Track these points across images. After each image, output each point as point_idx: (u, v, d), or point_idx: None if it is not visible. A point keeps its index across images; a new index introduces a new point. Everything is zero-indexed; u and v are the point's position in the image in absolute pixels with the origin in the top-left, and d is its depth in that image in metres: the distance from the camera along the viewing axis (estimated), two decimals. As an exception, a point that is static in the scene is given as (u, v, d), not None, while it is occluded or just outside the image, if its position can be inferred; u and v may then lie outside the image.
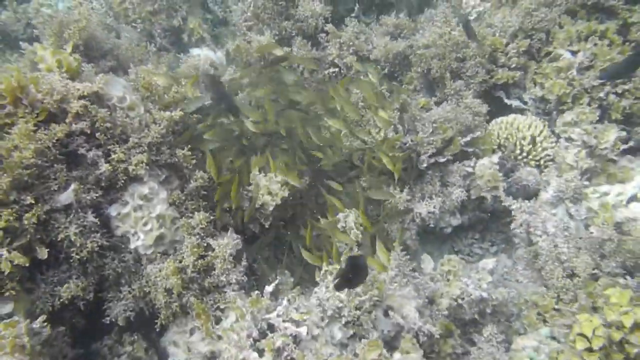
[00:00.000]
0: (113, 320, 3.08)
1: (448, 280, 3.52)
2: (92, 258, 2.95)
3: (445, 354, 3.10)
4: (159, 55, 4.69)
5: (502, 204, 3.74)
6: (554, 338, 2.84)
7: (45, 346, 2.76)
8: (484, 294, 3.26)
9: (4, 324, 2.58)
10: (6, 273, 2.63)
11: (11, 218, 2.64)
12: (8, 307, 2.73)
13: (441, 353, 3.11)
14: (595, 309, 2.69)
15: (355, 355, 2.47)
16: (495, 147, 4.06)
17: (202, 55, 4.79)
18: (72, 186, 2.84)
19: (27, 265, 2.69)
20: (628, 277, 2.98)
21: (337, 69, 4.87)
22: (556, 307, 2.99)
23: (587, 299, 2.77)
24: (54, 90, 2.84)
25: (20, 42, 3.79)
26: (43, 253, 2.76)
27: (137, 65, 3.63)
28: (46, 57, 3.08)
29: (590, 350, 2.48)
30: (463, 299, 3.27)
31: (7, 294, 2.67)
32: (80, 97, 2.92)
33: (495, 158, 3.81)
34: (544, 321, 3.04)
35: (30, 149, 2.69)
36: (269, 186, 3.39)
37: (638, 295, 2.63)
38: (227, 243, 3.14)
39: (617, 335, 2.46)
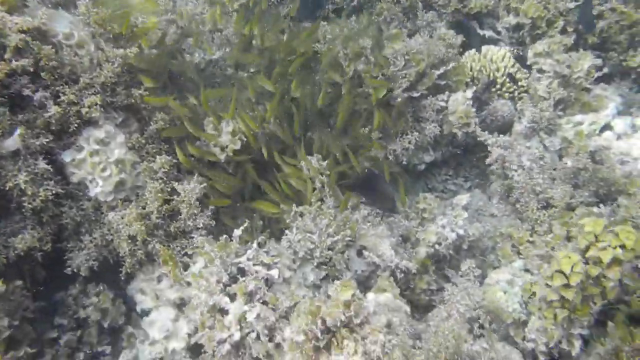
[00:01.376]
0: (75, 270, 2.95)
1: (423, 218, 3.47)
2: (47, 207, 2.78)
3: (420, 290, 3.06)
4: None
5: (477, 139, 3.64)
6: (527, 271, 2.82)
7: (1, 301, 2.63)
8: (460, 232, 3.20)
9: None
10: None
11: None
12: (-43, 262, 2.57)
13: (416, 289, 3.08)
14: (569, 239, 2.65)
15: (328, 296, 2.40)
16: (469, 80, 3.92)
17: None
18: (18, 131, 2.63)
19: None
20: (601, 205, 2.94)
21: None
22: (530, 239, 2.96)
23: (562, 228, 2.72)
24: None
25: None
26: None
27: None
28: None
29: (567, 286, 2.45)
30: (440, 244, 3.20)
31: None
32: (20, 32, 2.65)
33: (469, 93, 3.68)
34: (518, 253, 3.01)
35: (-34, 90, 2.46)
36: (219, 138, 3.22)
37: (611, 223, 2.60)
38: (192, 188, 2.99)
39: (594, 271, 2.42)
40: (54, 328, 2.97)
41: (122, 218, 2.92)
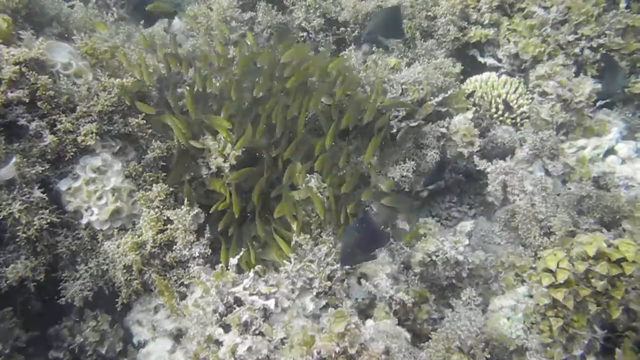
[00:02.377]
0: (69, 301, 2.91)
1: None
2: (42, 236, 2.76)
3: (422, 320, 2.97)
4: (118, 25, 4.42)
5: (477, 167, 3.59)
6: (531, 296, 2.73)
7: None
8: (460, 257, 3.13)
9: None
10: None
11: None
12: (-51, 292, 2.54)
13: (417, 320, 2.99)
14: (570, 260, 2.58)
15: (322, 327, 2.34)
16: (470, 106, 3.90)
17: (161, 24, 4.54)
18: (13, 159, 2.63)
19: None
20: (604, 230, 2.87)
21: (305, 34, 4.66)
22: (533, 265, 2.87)
23: (562, 252, 2.64)
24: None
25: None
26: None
27: (87, 34, 3.37)
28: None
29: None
30: (438, 255, 3.14)
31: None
32: (16, 64, 2.69)
33: (469, 114, 3.66)
34: (522, 281, 2.92)
35: (-38, 120, 2.47)
36: (219, 149, 3.19)
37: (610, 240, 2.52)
38: (184, 212, 2.95)
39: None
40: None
41: (118, 247, 2.90)
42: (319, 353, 2.19)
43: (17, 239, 2.69)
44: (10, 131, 2.71)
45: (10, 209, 2.62)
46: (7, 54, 2.66)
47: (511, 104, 3.98)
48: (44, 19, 3.36)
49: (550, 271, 2.44)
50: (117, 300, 2.97)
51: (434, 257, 3.14)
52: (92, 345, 3.00)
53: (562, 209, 3.05)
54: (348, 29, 4.50)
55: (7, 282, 2.67)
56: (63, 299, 2.90)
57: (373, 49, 4.31)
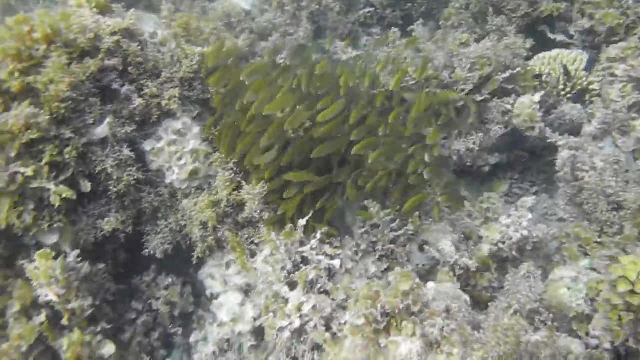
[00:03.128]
0: (152, 253, 3.16)
1: (487, 218, 3.45)
2: (129, 192, 3.02)
3: (482, 288, 3.05)
4: (192, 0, 4.64)
5: (547, 140, 3.57)
6: (594, 269, 2.75)
7: (85, 282, 2.85)
8: (525, 232, 3.16)
9: (39, 254, 2.69)
10: (56, 207, 2.70)
11: (54, 153, 2.70)
12: (54, 238, 2.83)
13: (477, 286, 3.06)
14: (640, 239, 2.58)
15: (388, 283, 2.45)
16: (537, 83, 3.87)
17: (232, 1, 4.73)
18: (107, 119, 2.88)
19: (74, 198, 2.76)
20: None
21: (372, 9, 4.73)
22: (598, 240, 2.88)
23: (634, 229, 2.65)
24: (86, 28, 2.86)
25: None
26: (86, 186, 2.83)
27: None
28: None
29: (633, 292, 2.37)
30: (504, 242, 3.17)
31: (55, 226, 2.76)
32: (113, 34, 2.92)
33: (537, 97, 3.63)
34: (585, 254, 2.94)
35: (65, 82, 2.73)
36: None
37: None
38: (259, 190, 3.08)
39: None
40: (132, 310, 3.19)
41: (195, 205, 3.11)
42: (383, 307, 2.32)
43: (109, 193, 2.95)
44: (104, 94, 2.95)
45: (104, 165, 2.88)
46: (105, 25, 2.89)
47: (572, 74, 3.91)
48: (132, -1, 3.60)
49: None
50: (192, 254, 3.20)
51: (500, 245, 3.17)
52: (168, 295, 3.26)
53: (632, 184, 3.03)
54: (415, 4, 4.53)
55: (102, 232, 2.94)
56: (146, 251, 3.16)
57: (440, 23, 4.34)
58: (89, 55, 2.90)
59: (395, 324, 2.32)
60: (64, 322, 2.69)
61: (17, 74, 2.67)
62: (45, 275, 2.58)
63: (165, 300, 3.25)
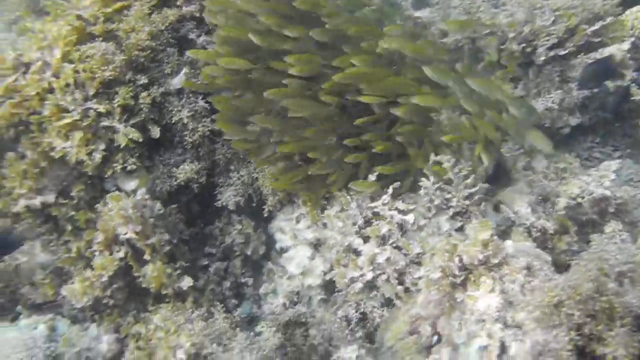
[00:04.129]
0: (224, 204, 3.22)
1: (563, 178, 3.29)
2: (204, 142, 3.06)
3: (560, 250, 2.93)
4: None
5: (632, 97, 3.36)
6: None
7: (160, 219, 2.96)
8: (607, 192, 3.00)
9: (110, 196, 2.83)
10: (122, 146, 2.78)
11: (128, 96, 2.77)
12: (132, 184, 2.93)
13: (555, 249, 2.95)
14: None
15: (465, 235, 2.40)
16: (627, 37, 3.61)
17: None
18: (184, 70, 2.91)
19: (141, 140, 2.84)
20: None
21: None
22: (693, 203, 2.70)
23: None
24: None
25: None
26: (156, 132, 2.89)
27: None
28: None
29: None
30: (583, 197, 3.03)
31: (129, 167, 2.84)
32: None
33: (625, 45, 3.40)
34: (678, 218, 2.76)
35: (145, 31, 2.77)
36: None
37: None
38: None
39: None
40: (205, 256, 3.28)
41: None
42: (461, 260, 2.26)
43: (184, 143, 3.00)
44: (181, 44, 2.98)
45: (180, 115, 2.92)
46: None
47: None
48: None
49: None
50: (263, 207, 3.23)
51: (579, 200, 3.02)
52: (239, 246, 3.32)
53: None
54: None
55: (177, 181, 3.01)
56: (219, 202, 3.21)
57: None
58: (167, 2, 2.93)
59: (472, 279, 2.27)
60: (146, 257, 2.81)
61: (101, 18, 2.72)
62: (119, 215, 2.68)
63: (240, 232, 3.30)
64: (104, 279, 2.74)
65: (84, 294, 2.73)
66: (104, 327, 2.88)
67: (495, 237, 2.26)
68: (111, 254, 2.81)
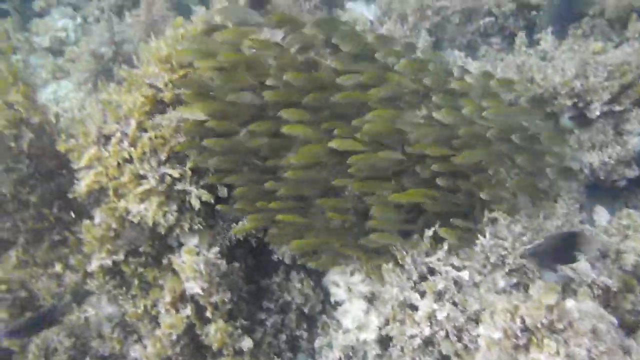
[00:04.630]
0: (280, 258, 3.29)
1: (626, 236, 3.24)
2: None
3: (624, 310, 2.86)
4: (313, 14, 4.81)
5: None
6: None
7: (224, 278, 3.05)
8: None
9: (186, 250, 2.95)
10: (196, 209, 2.92)
11: (200, 159, 2.92)
12: (194, 240, 3.05)
13: (619, 309, 2.88)
14: None
15: (528, 297, 2.39)
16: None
17: (357, 10, 4.85)
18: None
19: (212, 202, 2.96)
20: None
21: (492, 19, 4.65)
22: None
23: None
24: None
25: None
26: (224, 192, 3.01)
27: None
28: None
29: None
30: None
31: (195, 227, 2.98)
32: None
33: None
34: None
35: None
36: None
37: None
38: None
39: None
40: (263, 310, 3.34)
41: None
42: (523, 322, 2.26)
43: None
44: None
45: (241, 173, 3.05)
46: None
47: None
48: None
49: None
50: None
51: None
52: (297, 304, 3.37)
53: None
54: (541, 12, 4.38)
55: (236, 236, 3.12)
56: (275, 256, 3.30)
57: (569, 31, 4.16)
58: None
59: (535, 342, 2.25)
60: (208, 314, 2.91)
61: (169, 85, 2.91)
62: (191, 268, 2.80)
63: (300, 292, 3.36)
64: (174, 337, 2.84)
65: (158, 356, 2.85)
66: (168, 381, 2.96)
67: (561, 301, 2.25)
68: (178, 311, 2.92)
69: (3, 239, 3.25)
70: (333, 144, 2.81)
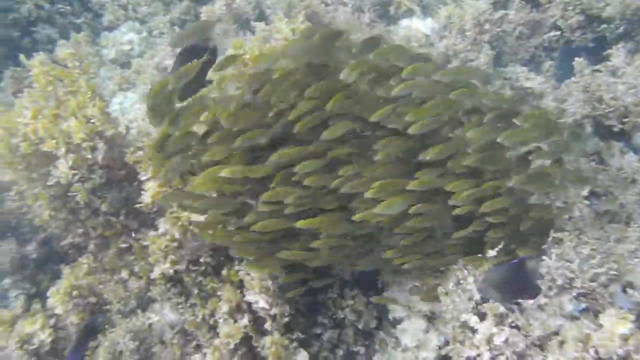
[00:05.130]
0: (338, 273, 3.30)
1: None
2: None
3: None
4: (372, 27, 4.83)
5: None
6: None
7: (282, 291, 3.08)
8: None
9: (250, 265, 2.96)
10: None
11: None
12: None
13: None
14: None
15: (599, 325, 2.30)
16: None
17: (412, 26, 4.83)
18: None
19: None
20: None
21: (558, 33, 4.53)
22: None
23: None
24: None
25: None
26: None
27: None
28: (282, 27, 3.38)
29: None
30: None
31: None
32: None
33: None
34: None
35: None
36: None
37: None
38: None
39: None
40: (318, 325, 3.35)
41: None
42: (596, 352, 2.17)
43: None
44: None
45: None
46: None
47: None
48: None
49: None
50: (377, 278, 3.28)
51: None
52: (350, 321, 3.36)
53: None
54: (612, 25, 4.24)
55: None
56: (333, 271, 3.30)
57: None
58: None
59: (610, 373, 2.17)
60: (267, 326, 2.96)
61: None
62: (260, 284, 2.84)
63: (352, 309, 3.35)
64: (231, 346, 2.89)
65: (215, 365, 2.91)
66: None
67: (637, 331, 2.16)
68: (235, 321, 2.97)
69: (75, 244, 3.40)
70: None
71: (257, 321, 3.06)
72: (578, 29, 4.38)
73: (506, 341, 2.76)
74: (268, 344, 2.99)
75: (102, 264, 3.41)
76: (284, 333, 3.03)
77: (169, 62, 5.15)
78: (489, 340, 2.79)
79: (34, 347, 3.16)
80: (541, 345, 2.74)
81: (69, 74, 3.06)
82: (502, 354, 2.77)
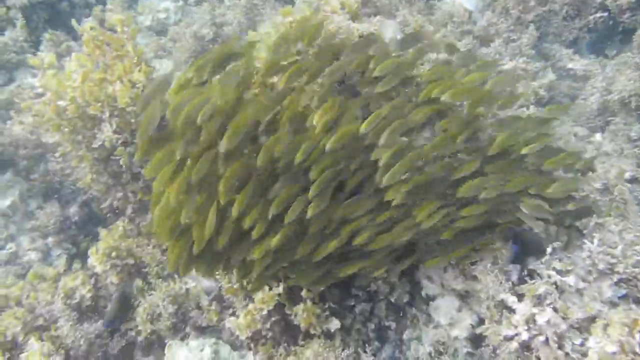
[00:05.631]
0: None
1: None
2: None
3: None
4: (411, 3, 4.75)
5: None
6: None
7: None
8: None
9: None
10: None
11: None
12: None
13: None
14: None
15: (640, 314, 2.27)
16: None
17: (456, 1, 4.73)
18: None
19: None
20: None
21: (605, 14, 4.40)
22: None
23: None
24: (339, 30, 3.08)
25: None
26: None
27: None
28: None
29: None
30: None
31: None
32: (360, 37, 3.11)
33: None
34: None
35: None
36: None
37: None
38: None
39: None
40: (352, 297, 3.37)
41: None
42: (643, 336, 2.16)
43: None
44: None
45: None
46: (354, 29, 3.09)
47: None
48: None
49: None
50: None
51: None
52: (384, 293, 3.37)
53: None
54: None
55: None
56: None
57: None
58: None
59: (654, 358, 2.15)
60: (303, 294, 3.02)
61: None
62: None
63: (385, 280, 3.35)
64: (264, 312, 2.93)
65: (248, 327, 2.94)
66: (259, 356, 3.06)
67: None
68: (271, 289, 3.01)
69: (114, 207, 3.45)
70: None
71: (291, 290, 3.09)
72: (628, 10, 4.24)
73: (548, 322, 2.75)
74: (301, 312, 3.03)
75: (137, 227, 3.46)
76: (317, 303, 3.06)
77: (206, 31, 5.14)
78: (528, 320, 2.79)
79: (76, 301, 3.24)
80: (579, 327, 2.73)
81: (118, 39, 3.07)
82: (541, 334, 2.77)
